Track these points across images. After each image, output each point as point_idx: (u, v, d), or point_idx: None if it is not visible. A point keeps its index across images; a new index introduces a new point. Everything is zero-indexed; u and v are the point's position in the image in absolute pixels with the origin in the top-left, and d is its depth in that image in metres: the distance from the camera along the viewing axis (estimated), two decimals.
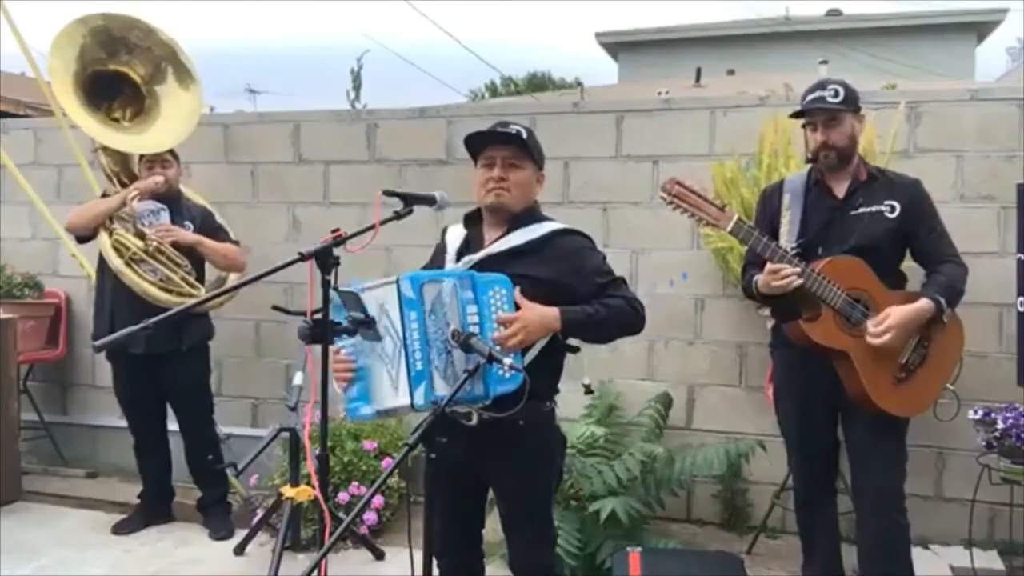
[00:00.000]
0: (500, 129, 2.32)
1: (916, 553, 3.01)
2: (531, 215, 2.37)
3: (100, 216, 3.84)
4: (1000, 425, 3.07)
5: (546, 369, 2.29)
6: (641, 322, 2.30)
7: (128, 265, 3.77)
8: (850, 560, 3.00)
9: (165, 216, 3.90)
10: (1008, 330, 3.64)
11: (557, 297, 2.22)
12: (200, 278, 3.96)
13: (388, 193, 2.41)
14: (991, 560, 3.46)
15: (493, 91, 21.34)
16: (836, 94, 2.78)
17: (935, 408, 2.92)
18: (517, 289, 2.17)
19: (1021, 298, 3.34)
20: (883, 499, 2.77)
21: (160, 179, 3.85)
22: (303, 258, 2.25)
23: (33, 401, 4.85)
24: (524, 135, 2.32)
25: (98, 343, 2.33)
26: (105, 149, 4.02)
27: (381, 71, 6.77)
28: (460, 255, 2.37)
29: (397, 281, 2.06)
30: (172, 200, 3.96)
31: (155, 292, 3.75)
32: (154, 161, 3.91)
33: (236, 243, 4.11)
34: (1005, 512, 3.45)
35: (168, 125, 4.08)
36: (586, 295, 2.24)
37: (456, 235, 2.45)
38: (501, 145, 2.31)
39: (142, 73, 4.12)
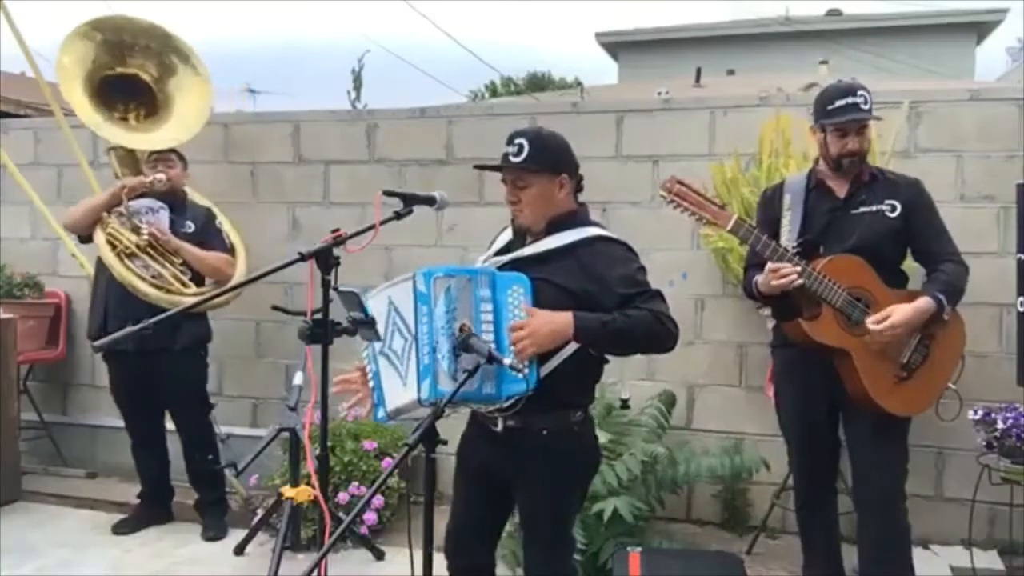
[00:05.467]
0: (505, 154, 2.24)
1: (916, 553, 3.01)
2: (570, 220, 2.28)
3: (93, 211, 3.83)
4: (1000, 425, 3.07)
5: (575, 378, 2.19)
6: (669, 338, 2.13)
7: (119, 259, 3.75)
8: (850, 560, 3.00)
9: (164, 215, 3.89)
10: (1008, 330, 3.64)
11: (581, 305, 2.12)
12: (196, 278, 3.92)
13: (388, 193, 2.42)
14: (991, 560, 3.47)
15: (493, 91, 21.27)
16: (866, 101, 2.75)
17: (937, 408, 2.91)
18: (526, 299, 2.11)
19: (1021, 298, 3.33)
20: (884, 500, 2.78)
21: (162, 176, 3.85)
22: (303, 258, 2.25)
23: (33, 401, 4.85)
24: (523, 152, 2.20)
25: (97, 343, 2.34)
26: (115, 151, 4.04)
27: (381, 71, 6.76)
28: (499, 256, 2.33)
29: (414, 276, 2.06)
30: (175, 200, 3.96)
31: (144, 288, 3.73)
32: (157, 160, 3.92)
33: (231, 250, 4.06)
34: (1005, 512, 3.45)
35: (175, 125, 4.11)
36: (610, 306, 2.12)
37: (506, 236, 2.38)
38: (506, 167, 2.25)
39: (154, 74, 4.17)
